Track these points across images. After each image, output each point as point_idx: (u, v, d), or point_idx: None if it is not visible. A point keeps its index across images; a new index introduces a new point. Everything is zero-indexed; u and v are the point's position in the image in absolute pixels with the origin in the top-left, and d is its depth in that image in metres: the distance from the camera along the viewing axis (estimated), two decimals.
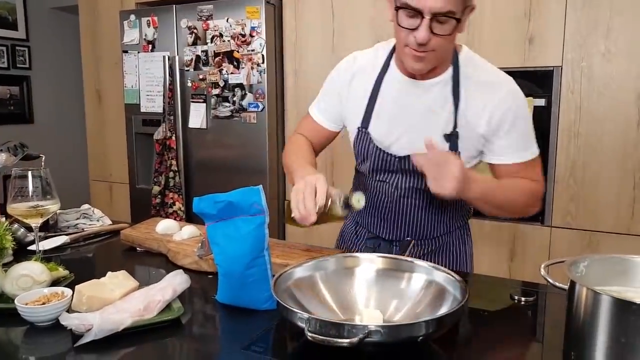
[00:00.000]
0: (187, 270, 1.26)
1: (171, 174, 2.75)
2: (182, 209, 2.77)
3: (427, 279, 0.99)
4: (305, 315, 0.79)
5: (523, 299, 1.11)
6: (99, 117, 3.31)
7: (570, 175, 2.06)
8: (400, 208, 1.34)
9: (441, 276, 0.97)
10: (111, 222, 1.69)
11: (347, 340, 0.74)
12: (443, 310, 0.89)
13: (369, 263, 1.06)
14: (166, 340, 0.93)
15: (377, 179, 1.35)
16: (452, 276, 0.93)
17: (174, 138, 2.78)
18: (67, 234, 1.53)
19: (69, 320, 0.92)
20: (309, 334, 0.76)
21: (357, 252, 1.45)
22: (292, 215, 1.12)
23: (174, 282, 1.07)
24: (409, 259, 1.04)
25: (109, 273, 1.07)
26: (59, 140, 4.45)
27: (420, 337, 0.79)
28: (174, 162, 2.76)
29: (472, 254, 1.47)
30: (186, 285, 1.08)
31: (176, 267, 1.30)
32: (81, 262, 1.40)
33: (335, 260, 1.05)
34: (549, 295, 1.14)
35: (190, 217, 2.67)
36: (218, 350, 0.90)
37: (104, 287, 1.04)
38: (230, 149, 2.74)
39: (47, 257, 1.38)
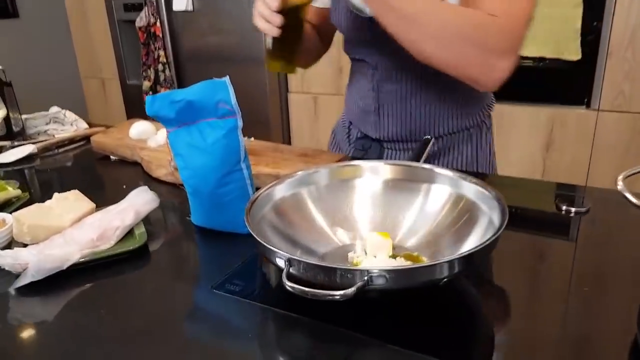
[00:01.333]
0: (162, 184, 1.07)
1: (160, 67, 2.48)
2: None
3: (452, 192, 0.76)
4: (284, 254, 0.58)
5: (573, 209, 0.88)
6: (79, 7, 2.98)
7: (628, 47, 1.72)
8: (384, 97, 1.07)
9: (471, 189, 0.73)
10: (87, 126, 1.48)
11: (340, 293, 0.53)
12: (473, 238, 0.67)
13: (373, 173, 0.83)
14: (124, 277, 0.75)
15: (355, 57, 1.12)
16: (486, 190, 0.70)
17: (158, 24, 2.46)
18: (35, 142, 1.33)
19: (2, 259, 0.75)
20: (287, 283, 0.55)
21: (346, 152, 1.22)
22: (256, 24, 0.93)
23: (137, 203, 0.87)
24: (427, 165, 0.80)
25: (56, 195, 0.88)
26: (45, 36, 4.12)
27: (444, 280, 0.58)
28: (161, 52, 2.47)
29: (494, 153, 1.18)
30: (153, 205, 0.88)
31: (153, 179, 1.10)
32: (49, 176, 1.21)
33: (329, 172, 0.82)
34: (602, 202, 0.91)
35: None
36: (185, 289, 0.71)
37: (50, 212, 0.85)
38: (224, 34, 2.40)
39: (10, 170, 1.20)
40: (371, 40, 1.04)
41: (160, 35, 2.47)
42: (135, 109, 2.71)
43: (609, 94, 1.77)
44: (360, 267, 0.59)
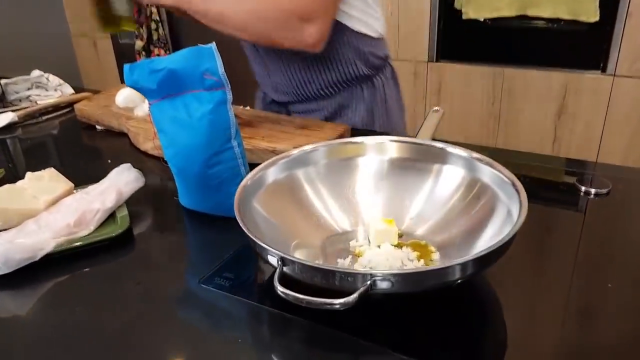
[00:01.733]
0: (150, 158, 0.99)
1: (153, 25, 2.35)
2: None
3: (466, 175, 0.68)
4: (277, 252, 0.51)
5: (593, 190, 0.81)
6: None
7: None
8: (262, 58, 1.11)
9: (486, 173, 0.66)
10: (72, 92, 1.39)
11: (339, 302, 0.46)
12: (489, 231, 0.60)
13: (377, 151, 0.75)
14: (102, 268, 0.68)
15: None
16: (504, 175, 0.62)
17: None
18: (16, 110, 1.25)
19: None
20: (279, 288, 0.48)
21: None
22: None
23: (119, 182, 0.80)
24: (438, 144, 0.72)
25: (29, 174, 0.80)
26: None
27: (458, 281, 0.51)
28: (153, 9, 2.34)
29: (402, 108, 1.22)
30: (137, 185, 0.80)
31: (141, 153, 1.02)
32: (29, 148, 1.13)
33: (328, 150, 0.74)
34: (623, 182, 0.84)
35: None
36: (170, 283, 0.65)
37: (23, 194, 0.77)
38: None
39: None
40: None
41: None
42: None
43: (626, 59, 1.67)
44: (362, 270, 0.52)
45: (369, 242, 0.68)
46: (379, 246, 0.66)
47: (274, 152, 0.92)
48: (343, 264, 0.64)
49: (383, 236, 0.67)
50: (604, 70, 1.71)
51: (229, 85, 0.69)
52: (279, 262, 0.51)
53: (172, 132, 0.71)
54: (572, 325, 0.55)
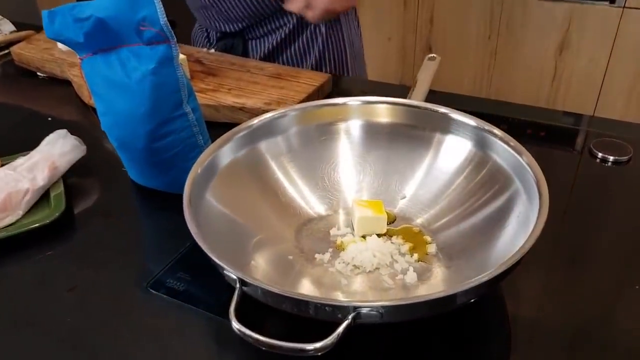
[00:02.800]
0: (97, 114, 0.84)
1: None
2: None
3: (473, 150, 0.56)
4: (234, 273, 0.40)
5: (611, 157, 0.69)
6: None
7: None
8: None
9: (499, 149, 0.53)
10: (13, 29, 1.20)
11: (312, 347, 0.35)
12: (502, 229, 0.48)
13: (362, 116, 0.62)
14: (28, 268, 0.56)
15: None
16: (522, 158, 0.50)
17: None
18: None
19: None
20: (235, 324, 0.37)
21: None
22: None
23: (53, 153, 0.66)
24: (441, 108, 0.59)
25: None
26: None
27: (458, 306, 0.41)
28: None
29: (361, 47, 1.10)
30: (75, 156, 0.67)
31: (88, 108, 0.87)
32: None
33: (301, 116, 0.60)
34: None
35: None
36: (110, 287, 0.53)
37: None
38: None
39: None
40: None
41: None
42: None
43: None
44: (342, 301, 0.41)
45: (353, 229, 0.57)
46: (364, 237, 0.55)
47: (242, 109, 0.78)
48: (322, 259, 0.53)
49: (369, 225, 0.55)
50: (612, 0, 1.55)
51: (175, 38, 0.54)
52: (238, 284, 0.40)
53: (108, 96, 0.57)
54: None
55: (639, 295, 0.49)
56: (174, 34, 0.54)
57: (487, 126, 0.54)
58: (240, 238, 0.49)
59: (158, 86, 0.55)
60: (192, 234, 0.42)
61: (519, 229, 0.46)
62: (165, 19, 0.52)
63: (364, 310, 0.37)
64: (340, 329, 0.36)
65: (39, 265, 0.56)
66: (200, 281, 0.52)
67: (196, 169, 0.50)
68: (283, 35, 1.00)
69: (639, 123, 0.79)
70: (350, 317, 0.36)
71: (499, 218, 0.49)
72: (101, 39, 0.54)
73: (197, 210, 0.46)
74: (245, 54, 1.02)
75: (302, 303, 0.38)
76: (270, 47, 1.01)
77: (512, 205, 0.48)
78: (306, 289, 0.48)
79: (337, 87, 0.90)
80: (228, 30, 1.02)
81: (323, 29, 1.00)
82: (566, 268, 0.53)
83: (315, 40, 1.01)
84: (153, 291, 0.51)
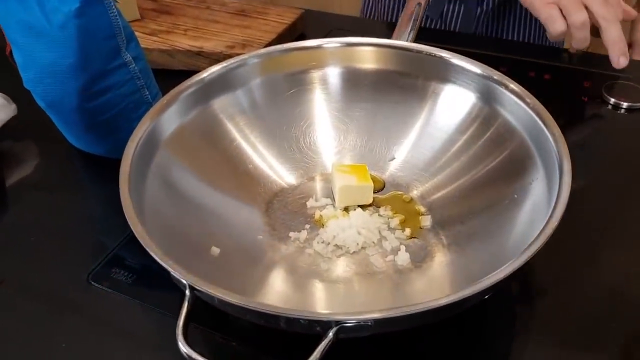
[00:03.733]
0: None
1: None
2: None
3: (478, 103, 0.46)
4: (184, 279, 0.31)
5: (625, 104, 0.61)
6: None
7: None
8: None
9: (511, 104, 0.43)
10: None
11: None
12: (514, 203, 0.39)
13: (341, 62, 0.52)
14: None
15: None
16: (539, 118, 0.40)
17: None
18: None
19: None
20: (183, 347, 0.29)
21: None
22: None
23: None
24: (438, 51, 0.49)
25: None
26: None
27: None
28: None
29: None
30: (4, 117, 0.56)
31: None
32: None
33: (263, 64, 0.49)
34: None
35: None
36: (46, 279, 0.44)
37: None
38: None
39: None
40: None
41: None
42: None
43: None
44: (321, 315, 0.32)
45: (333, 199, 0.48)
46: (346, 209, 0.47)
47: (201, 55, 0.67)
48: (298, 238, 0.45)
49: (352, 195, 0.47)
50: None
51: None
52: (189, 293, 0.31)
53: (27, 45, 0.46)
54: None
55: None
56: None
57: (496, 74, 0.44)
58: (197, 222, 0.40)
59: (86, 31, 0.44)
60: (132, 227, 0.33)
61: (534, 203, 0.38)
62: None
63: (349, 324, 0.29)
64: (319, 350, 0.28)
65: None
66: (152, 271, 0.43)
67: (133, 145, 0.39)
68: None
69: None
70: (331, 333, 0.29)
71: (509, 189, 0.41)
72: None
73: (139, 196, 0.36)
74: None
75: (269, 317, 0.29)
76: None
77: (525, 176, 0.40)
78: (279, 279, 0.40)
79: (312, 25, 0.78)
80: None
81: None
82: (582, 241, 0.46)
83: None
84: (95, 284, 0.43)
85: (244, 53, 0.65)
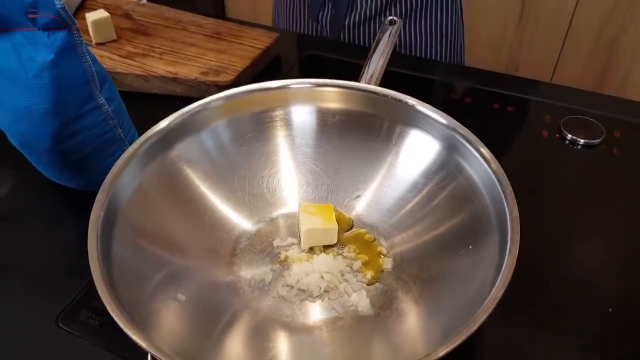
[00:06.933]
0: None
1: None
2: None
3: (441, 151, 0.49)
4: (147, 349, 0.33)
5: (582, 140, 0.64)
6: None
7: None
8: None
9: (473, 161, 0.45)
10: None
11: None
12: (470, 258, 0.42)
13: (307, 101, 0.53)
14: None
15: None
16: (492, 173, 0.43)
17: None
18: None
19: None
20: None
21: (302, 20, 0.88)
22: None
23: None
24: (403, 97, 0.51)
25: None
26: None
27: None
28: None
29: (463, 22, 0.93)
30: None
31: None
32: None
33: (226, 105, 0.50)
34: (620, 125, 0.67)
35: None
36: (16, 320, 0.45)
37: None
38: None
39: None
40: None
41: None
42: None
43: None
44: None
45: (299, 239, 0.50)
46: (312, 250, 0.49)
47: (175, 79, 0.68)
48: (263, 281, 0.47)
49: (317, 237, 0.49)
50: None
51: (75, 22, 0.43)
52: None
53: (1, 89, 0.47)
54: None
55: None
56: (73, 18, 0.43)
57: (461, 129, 0.46)
58: (162, 273, 0.42)
59: (60, 80, 0.45)
60: (102, 297, 0.35)
61: (487, 257, 0.40)
62: (62, 1, 0.41)
63: None
64: None
65: None
66: (102, 326, 0.44)
67: (98, 211, 0.39)
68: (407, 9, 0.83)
69: (612, 96, 0.74)
70: None
71: (465, 241, 0.43)
72: None
73: (107, 260, 0.37)
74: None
75: None
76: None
77: (480, 231, 0.42)
78: (242, 327, 0.42)
79: (287, 48, 0.80)
80: None
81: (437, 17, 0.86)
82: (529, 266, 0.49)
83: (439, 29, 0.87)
84: (63, 327, 0.44)
85: (218, 80, 0.67)
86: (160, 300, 0.40)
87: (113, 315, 0.33)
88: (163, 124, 0.46)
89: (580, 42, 1.58)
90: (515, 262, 0.36)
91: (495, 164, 0.43)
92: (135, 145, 0.44)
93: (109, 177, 0.41)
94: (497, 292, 0.35)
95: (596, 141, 0.64)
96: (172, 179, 0.47)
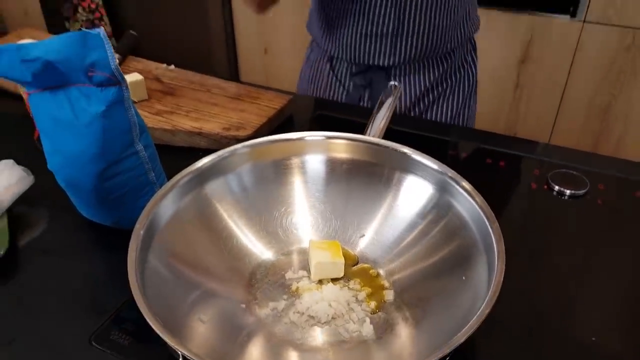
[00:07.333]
0: None
1: None
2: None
3: (435, 194, 0.55)
4: (179, 350, 0.38)
5: (568, 191, 0.71)
6: None
7: None
8: (409, 11, 0.85)
9: (462, 200, 0.52)
10: None
11: None
12: (463, 285, 0.47)
13: (318, 151, 0.61)
14: None
15: None
16: (482, 211, 0.49)
17: None
18: None
19: None
20: None
21: (337, 96, 0.98)
22: None
23: None
24: (400, 147, 0.59)
25: None
26: None
27: None
28: None
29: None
30: (22, 187, 0.64)
31: None
32: None
33: (251, 152, 0.58)
34: (604, 178, 0.73)
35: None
36: (52, 340, 0.50)
37: None
38: None
39: None
40: None
41: None
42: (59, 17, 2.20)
43: (598, 3, 1.54)
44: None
45: (309, 272, 0.56)
46: (320, 282, 0.55)
47: (200, 134, 0.76)
48: (276, 308, 0.52)
49: (326, 270, 0.55)
50: (573, 15, 1.57)
51: (126, 81, 0.52)
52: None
53: (56, 135, 0.54)
54: None
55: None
56: (124, 77, 0.51)
57: (451, 173, 0.53)
58: (188, 296, 0.48)
59: (108, 129, 0.52)
60: (139, 307, 0.40)
61: (477, 286, 0.46)
62: (116, 62, 0.50)
63: None
64: None
65: None
66: (146, 334, 0.49)
67: (138, 231, 0.46)
68: (427, 84, 0.93)
69: (596, 153, 0.80)
70: None
71: (458, 273, 0.49)
72: (50, 78, 0.51)
73: (142, 275, 0.44)
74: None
75: None
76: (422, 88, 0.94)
77: (471, 262, 0.48)
78: (258, 346, 0.47)
79: (299, 108, 0.89)
80: (383, 63, 0.90)
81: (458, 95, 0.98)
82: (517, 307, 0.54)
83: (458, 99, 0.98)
84: (96, 346, 0.49)
85: (238, 134, 0.75)
86: (187, 315, 0.45)
87: (148, 320, 0.39)
88: (198, 164, 0.54)
89: (574, 110, 1.68)
90: (500, 287, 0.42)
91: (479, 197, 0.49)
92: (174, 179, 0.52)
93: (150, 202, 0.48)
94: (485, 308, 0.40)
95: (581, 192, 0.70)
96: (202, 211, 0.54)
